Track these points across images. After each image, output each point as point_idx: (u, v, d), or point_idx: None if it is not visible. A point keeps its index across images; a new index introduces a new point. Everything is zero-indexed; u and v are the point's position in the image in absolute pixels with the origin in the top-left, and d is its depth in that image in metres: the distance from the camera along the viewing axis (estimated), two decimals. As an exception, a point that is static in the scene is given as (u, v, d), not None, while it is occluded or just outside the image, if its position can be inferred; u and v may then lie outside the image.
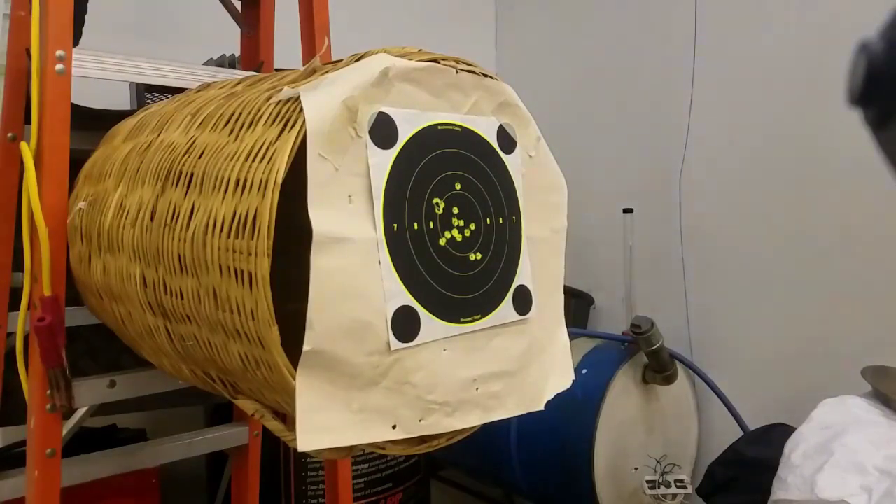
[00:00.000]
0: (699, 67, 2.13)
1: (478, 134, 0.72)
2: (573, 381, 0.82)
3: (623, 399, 1.87)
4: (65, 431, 1.14)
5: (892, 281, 1.71)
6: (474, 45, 2.84)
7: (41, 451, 0.89)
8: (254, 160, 0.60)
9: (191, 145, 0.71)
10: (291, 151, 0.58)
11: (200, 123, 0.73)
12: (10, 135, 1.05)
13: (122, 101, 1.59)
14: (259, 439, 1.26)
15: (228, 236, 0.59)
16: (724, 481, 1.68)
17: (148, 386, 1.00)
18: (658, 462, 1.90)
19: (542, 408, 0.77)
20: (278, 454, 1.70)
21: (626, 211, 2.12)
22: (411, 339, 0.63)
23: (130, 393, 0.98)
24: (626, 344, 1.94)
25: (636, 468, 1.89)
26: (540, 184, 0.79)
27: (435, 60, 0.68)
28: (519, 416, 0.75)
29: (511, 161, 0.75)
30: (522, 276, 0.75)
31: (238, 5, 1.32)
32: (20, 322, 0.93)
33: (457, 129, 0.70)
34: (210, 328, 0.65)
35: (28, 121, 0.94)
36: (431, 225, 0.66)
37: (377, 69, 0.63)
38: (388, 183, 0.63)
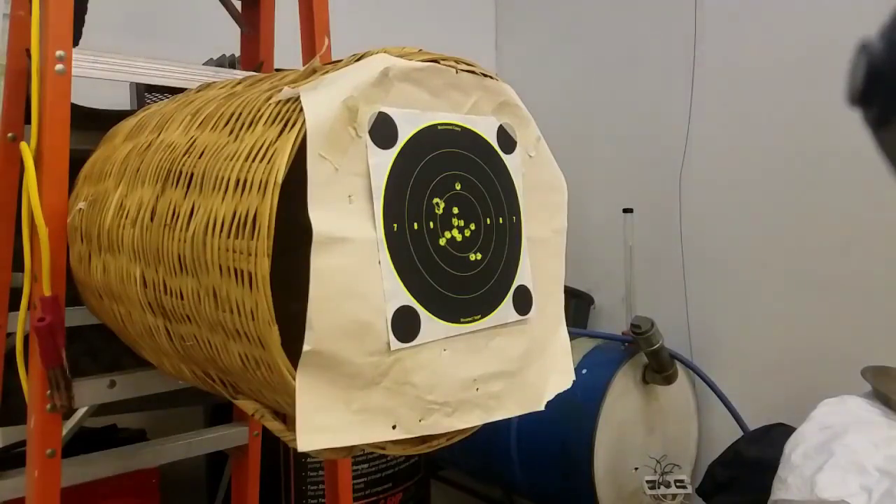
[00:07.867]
0: (699, 67, 2.13)
1: (478, 134, 0.72)
2: (573, 381, 0.82)
3: (623, 399, 1.87)
4: (65, 431, 1.14)
5: (892, 281, 1.71)
6: (474, 45, 2.84)
7: (41, 451, 0.89)
8: (254, 160, 0.60)
9: (191, 145, 0.71)
10: (291, 151, 0.58)
11: (200, 123, 0.73)
12: (10, 135, 1.05)
13: (122, 101, 1.59)
14: (259, 439, 1.26)
15: (228, 236, 0.59)
16: (724, 481, 1.68)
17: (148, 386, 1.00)
18: (658, 462, 1.89)
19: (542, 408, 0.77)
20: (278, 454, 1.70)
21: (626, 211, 2.12)
22: (411, 339, 0.63)
23: (130, 393, 0.98)
24: (626, 344, 1.94)
25: (636, 468, 1.89)
26: (540, 184, 0.79)
27: (435, 60, 0.68)
28: (519, 416, 0.74)
29: (511, 161, 0.75)
30: (522, 276, 0.75)
31: (238, 5, 1.32)
32: (20, 322, 0.93)
33: (457, 129, 0.70)
34: (210, 328, 0.65)
35: (28, 121, 0.94)
36: (431, 225, 0.66)
37: (377, 69, 0.63)
38: (388, 183, 0.63)
